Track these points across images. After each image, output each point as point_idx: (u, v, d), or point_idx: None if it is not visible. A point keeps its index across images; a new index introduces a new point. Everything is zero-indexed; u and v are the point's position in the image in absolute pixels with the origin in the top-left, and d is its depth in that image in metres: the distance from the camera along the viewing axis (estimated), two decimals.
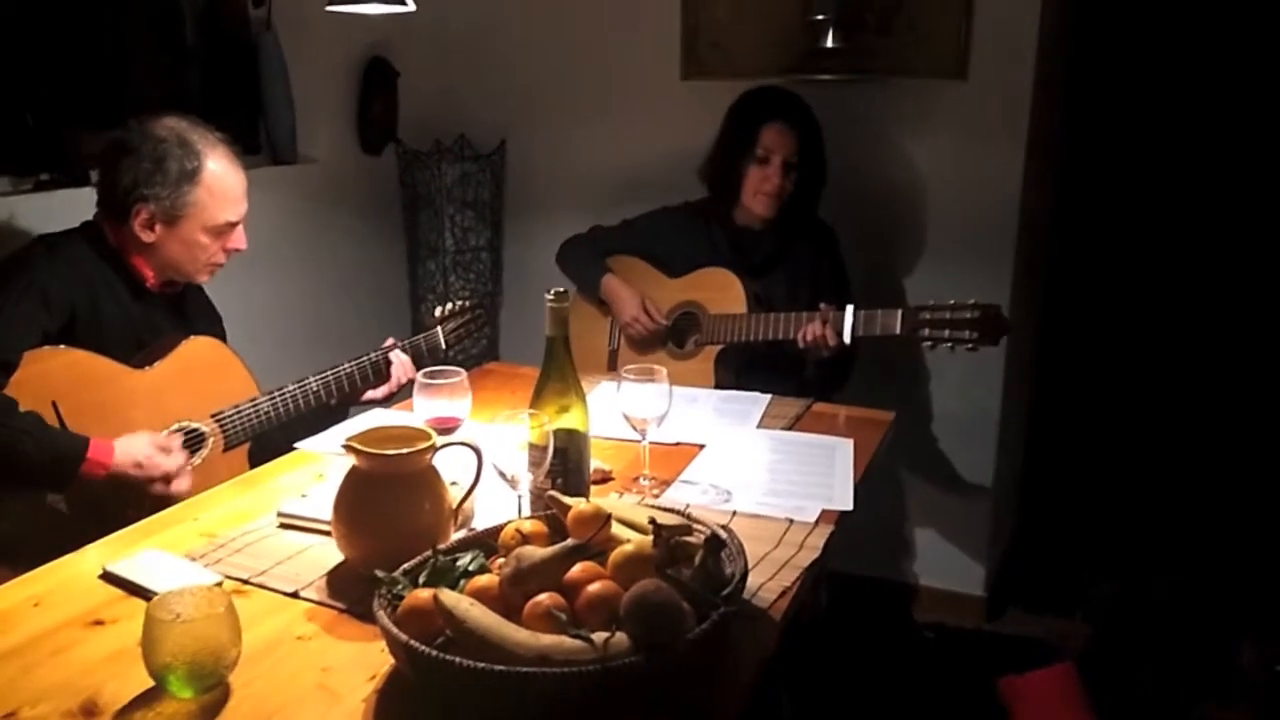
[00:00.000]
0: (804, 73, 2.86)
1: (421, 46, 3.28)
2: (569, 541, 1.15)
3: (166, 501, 1.70)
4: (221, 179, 1.87)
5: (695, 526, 1.26)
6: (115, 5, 2.59)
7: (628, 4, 3.10)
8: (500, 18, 3.27)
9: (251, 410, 1.94)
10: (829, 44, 2.87)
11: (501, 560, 1.23)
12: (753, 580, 1.34)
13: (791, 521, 1.54)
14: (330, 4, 2.16)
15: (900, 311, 2.24)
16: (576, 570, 1.13)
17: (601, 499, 1.59)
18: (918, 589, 3.13)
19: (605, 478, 1.72)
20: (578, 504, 1.27)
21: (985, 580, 3.06)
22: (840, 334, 2.27)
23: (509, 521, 1.32)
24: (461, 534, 1.47)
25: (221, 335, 2.11)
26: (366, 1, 2.14)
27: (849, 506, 1.61)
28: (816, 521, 1.55)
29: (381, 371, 2.10)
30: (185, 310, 2.04)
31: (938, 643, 2.98)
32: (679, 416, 2.01)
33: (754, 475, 1.74)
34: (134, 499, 1.70)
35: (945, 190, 2.85)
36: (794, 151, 2.45)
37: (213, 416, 1.90)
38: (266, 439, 1.98)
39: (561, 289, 1.48)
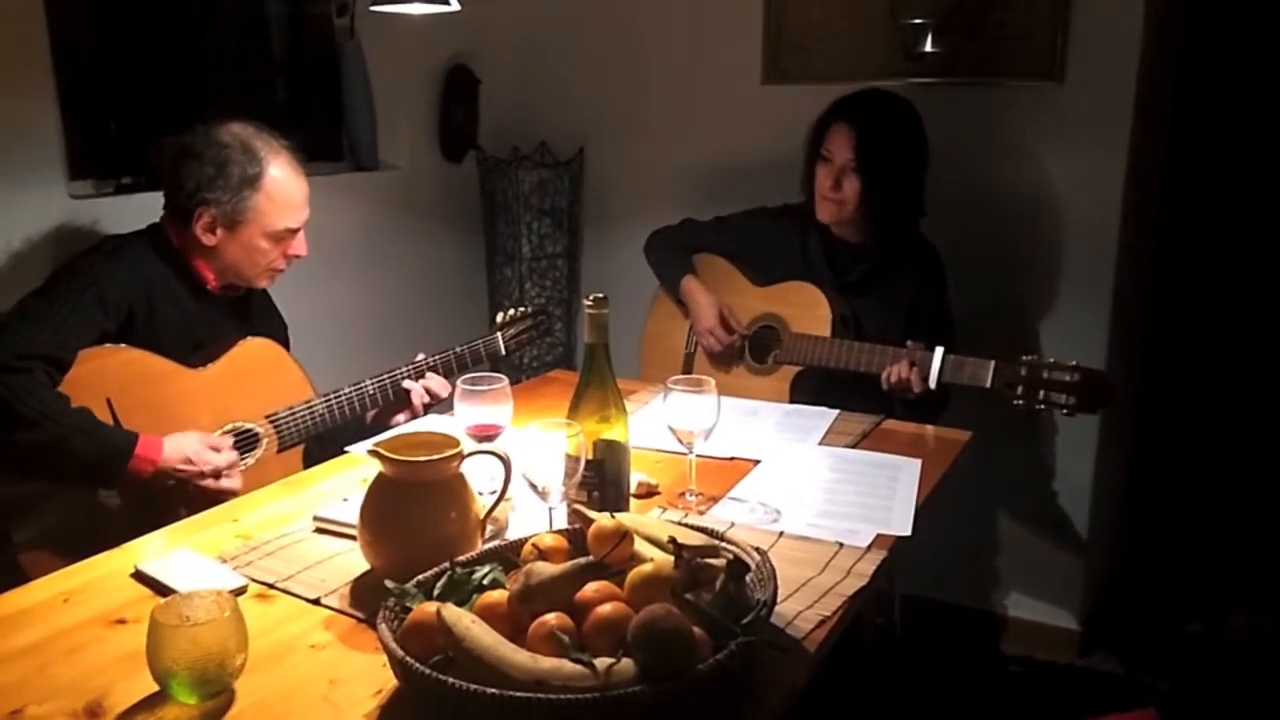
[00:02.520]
0: (890, 77, 2.74)
1: (502, 54, 3.28)
2: (582, 559, 1.09)
3: (218, 500, 1.71)
4: (282, 185, 1.87)
5: (723, 547, 1.19)
6: (201, 14, 2.66)
7: (707, 7, 3.03)
8: (579, 25, 3.24)
9: (306, 412, 1.94)
10: (917, 48, 2.74)
11: None
12: (790, 607, 1.25)
13: (841, 545, 1.45)
14: (374, 4, 2.16)
15: (993, 363, 2.06)
16: (589, 590, 1.07)
17: (640, 515, 1.53)
18: (1006, 619, 2.96)
19: (650, 491, 1.65)
20: (601, 518, 1.21)
21: (1079, 612, 2.87)
22: (926, 379, 2.10)
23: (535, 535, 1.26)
24: (491, 545, 1.43)
25: (284, 340, 2.12)
26: (409, 1, 2.13)
27: (906, 532, 1.50)
28: (869, 547, 1.45)
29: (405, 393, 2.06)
30: (249, 313, 2.05)
31: (1025, 678, 2.81)
32: (736, 429, 1.93)
33: (808, 494, 1.64)
34: (185, 497, 1.71)
35: (1039, 200, 2.69)
36: (852, 153, 2.25)
37: (267, 417, 1.90)
38: (324, 441, 1.98)
39: (601, 295, 1.43)
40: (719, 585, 1.07)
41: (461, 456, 1.31)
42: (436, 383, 2.08)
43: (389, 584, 1.13)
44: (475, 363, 2.20)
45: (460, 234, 3.30)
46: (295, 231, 1.93)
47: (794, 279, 2.40)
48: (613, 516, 1.21)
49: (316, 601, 1.30)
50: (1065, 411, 2.01)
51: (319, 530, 1.50)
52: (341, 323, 2.89)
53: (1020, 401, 2.04)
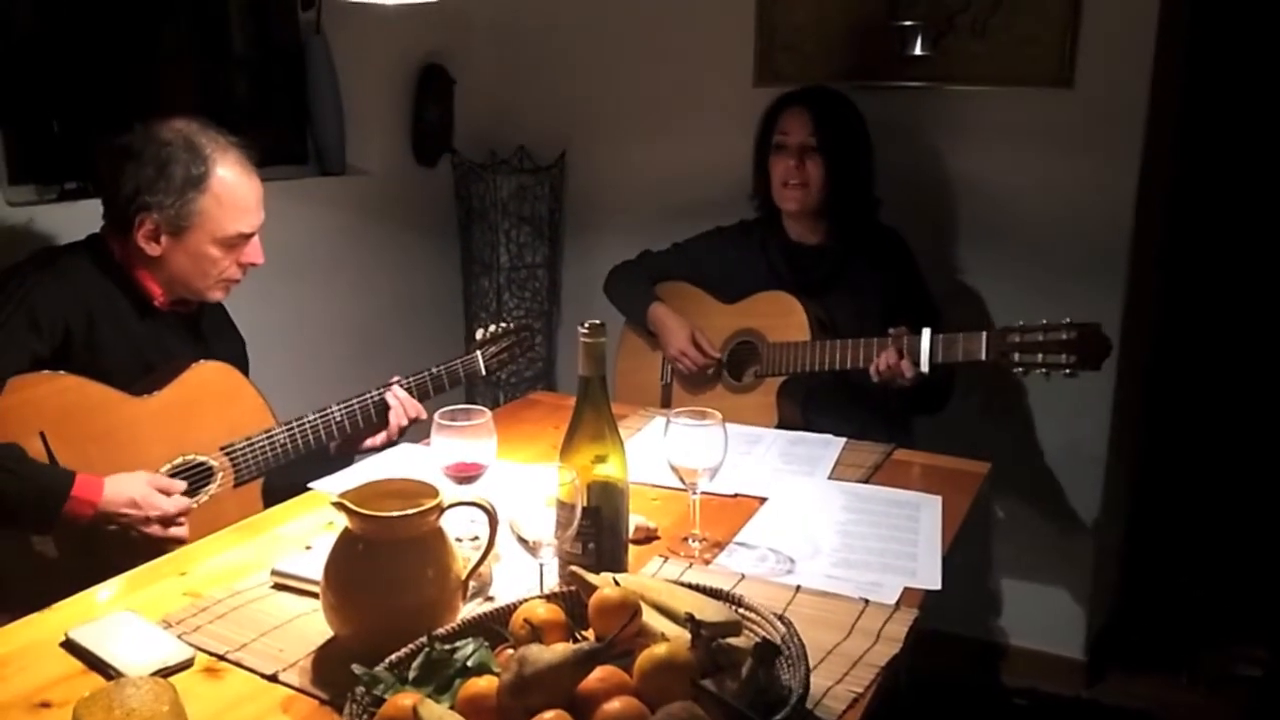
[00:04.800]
0: (887, 79, 2.61)
1: (479, 53, 3.11)
2: (584, 644, 0.93)
3: (163, 547, 1.53)
4: (232, 186, 1.70)
5: (747, 622, 1.03)
6: (154, 6, 2.47)
7: (698, 5, 2.88)
8: (562, 23, 3.08)
9: (266, 442, 1.76)
10: (916, 50, 2.61)
11: (510, 652, 1.01)
12: (817, 683, 1.09)
13: (867, 602, 1.29)
14: None
15: (985, 334, 1.96)
16: (595, 680, 0.91)
17: (644, 577, 1.37)
18: (1008, 649, 2.83)
19: (650, 536, 1.49)
20: (604, 585, 1.05)
21: (1085, 642, 2.75)
22: (917, 363, 1.99)
23: (525, 600, 1.10)
24: (474, 605, 1.27)
25: (242, 358, 1.95)
26: None
27: (936, 585, 1.36)
28: (897, 604, 1.30)
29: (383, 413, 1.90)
30: (201, 331, 1.87)
31: (1030, 711, 2.69)
32: (738, 462, 1.78)
33: (823, 538, 1.49)
34: (126, 543, 1.53)
35: (1049, 210, 2.56)
36: (810, 132, 2.23)
37: (222, 449, 1.72)
38: (285, 474, 1.80)
39: (598, 321, 1.27)
40: (746, 672, 0.92)
41: (441, 509, 1.14)
42: (414, 407, 1.91)
43: (356, 669, 0.97)
44: (453, 384, 2.04)
45: (434, 243, 3.12)
46: (249, 237, 1.75)
47: (761, 290, 2.30)
48: (617, 583, 1.05)
49: (273, 678, 1.13)
50: (1068, 372, 1.92)
51: (278, 586, 1.33)
52: (306, 340, 2.71)
53: (1020, 369, 1.96)
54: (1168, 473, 3.01)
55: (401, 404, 1.89)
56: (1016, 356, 1.94)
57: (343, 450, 1.93)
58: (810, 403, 2.23)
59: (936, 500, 1.63)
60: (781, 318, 2.24)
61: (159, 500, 1.54)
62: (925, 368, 2.00)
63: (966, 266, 2.59)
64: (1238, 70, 2.76)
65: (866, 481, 1.74)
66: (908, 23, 2.60)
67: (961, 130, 2.59)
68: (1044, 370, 1.93)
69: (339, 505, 1.12)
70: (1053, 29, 2.47)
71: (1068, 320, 1.92)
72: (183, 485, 1.60)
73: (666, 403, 2.41)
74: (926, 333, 2.00)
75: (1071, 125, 2.49)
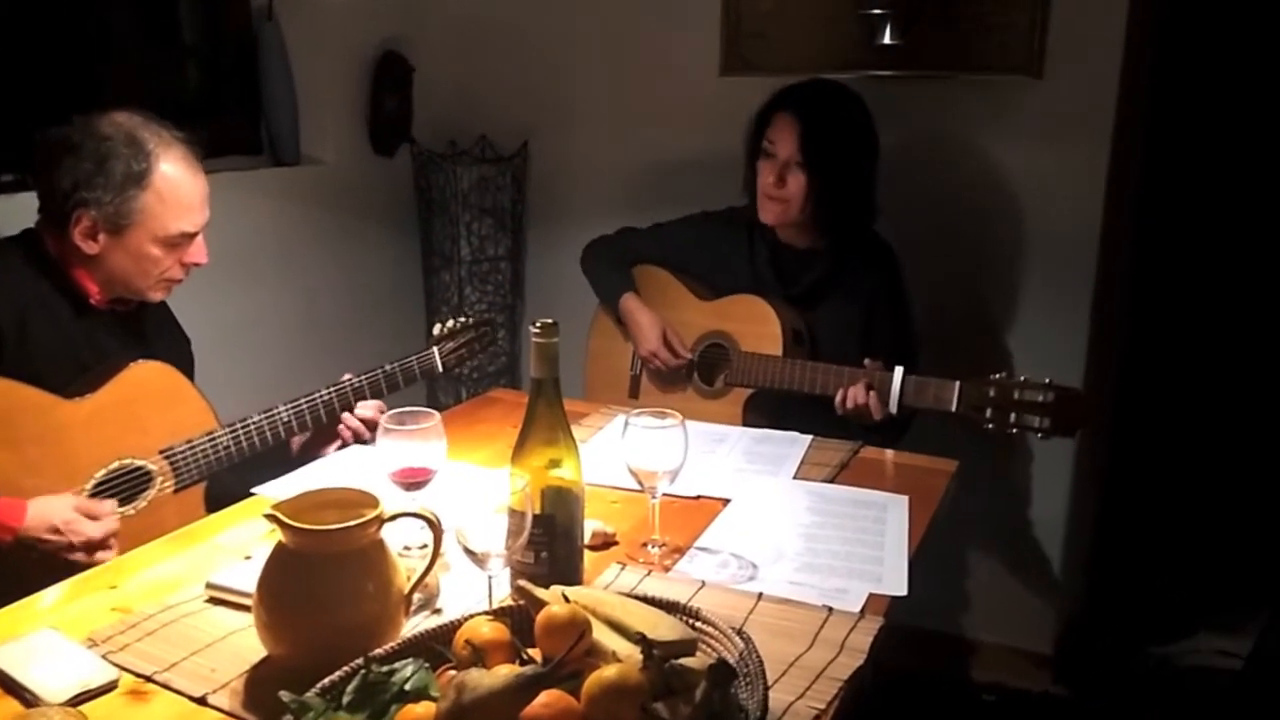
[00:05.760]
0: (857, 69, 2.56)
1: (438, 40, 3.03)
2: (528, 669, 0.87)
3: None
4: (175, 183, 1.62)
5: (704, 638, 0.98)
6: None
7: None
8: (524, 9, 3.00)
9: (208, 445, 1.68)
10: (885, 38, 2.56)
11: (453, 673, 0.96)
12: (779, 698, 1.05)
13: (831, 610, 1.25)
14: None
15: (958, 385, 1.88)
16: (539, 705, 0.85)
17: (598, 577, 1.32)
18: (976, 644, 2.81)
19: (607, 542, 1.44)
20: (553, 601, 0.99)
21: (1054, 636, 2.72)
22: (885, 403, 1.92)
23: (469, 616, 1.04)
24: (420, 619, 1.21)
25: (186, 358, 1.87)
26: None
27: (902, 591, 1.32)
28: (862, 611, 1.25)
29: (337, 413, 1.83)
30: (143, 330, 1.79)
31: (998, 707, 2.66)
32: (702, 461, 1.73)
33: (787, 542, 1.44)
34: (49, 568, 1.44)
35: (1017, 200, 2.53)
36: (797, 146, 2.06)
37: (161, 453, 1.64)
38: (237, 478, 1.73)
39: (550, 320, 1.21)
40: (700, 696, 0.86)
41: (381, 521, 1.08)
42: (368, 410, 1.84)
43: (285, 696, 0.90)
44: (409, 382, 1.97)
45: (393, 235, 3.05)
46: (192, 236, 1.67)
47: (741, 290, 2.22)
48: (566, 599, 1.00)
49: (202, 700, 1.06)
50: (1040, 435, 1.85)
51: (212, 600, 1.26)
52: (259, 338, 2.63)
53: (991, 425, 1.87)
54: (1135, 467, 3.00)
55: (356, 419, 1.82)
56: (988, 413, 1.86)
57: (306, 450, 1.85)
58: (778, 418, 2.13)
59: (903, 500, 1.59)
60: (756, 325, 2.17)
61: (84, 526, 1.45)
62: (893, 409, 1.92)
63: (930, 257, 2.54)
64: (1208, 60, 2.74)
65: (832, 481, 1.69)
66: (876, 11, 2.55)
67: (930, 119, 2.55)
68: (1014, 430, 1.85)
69: (271, 517, 1.06)
70: (1022, 18, 2.43)
71: (1047, 380, 1.84)
72: (111, 509, 1.52)
73: (635, 393, 2.35)
74: (899, 372, 1.92)
75: (1041, 115, 2.46)
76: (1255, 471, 2.86)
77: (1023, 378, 1.86)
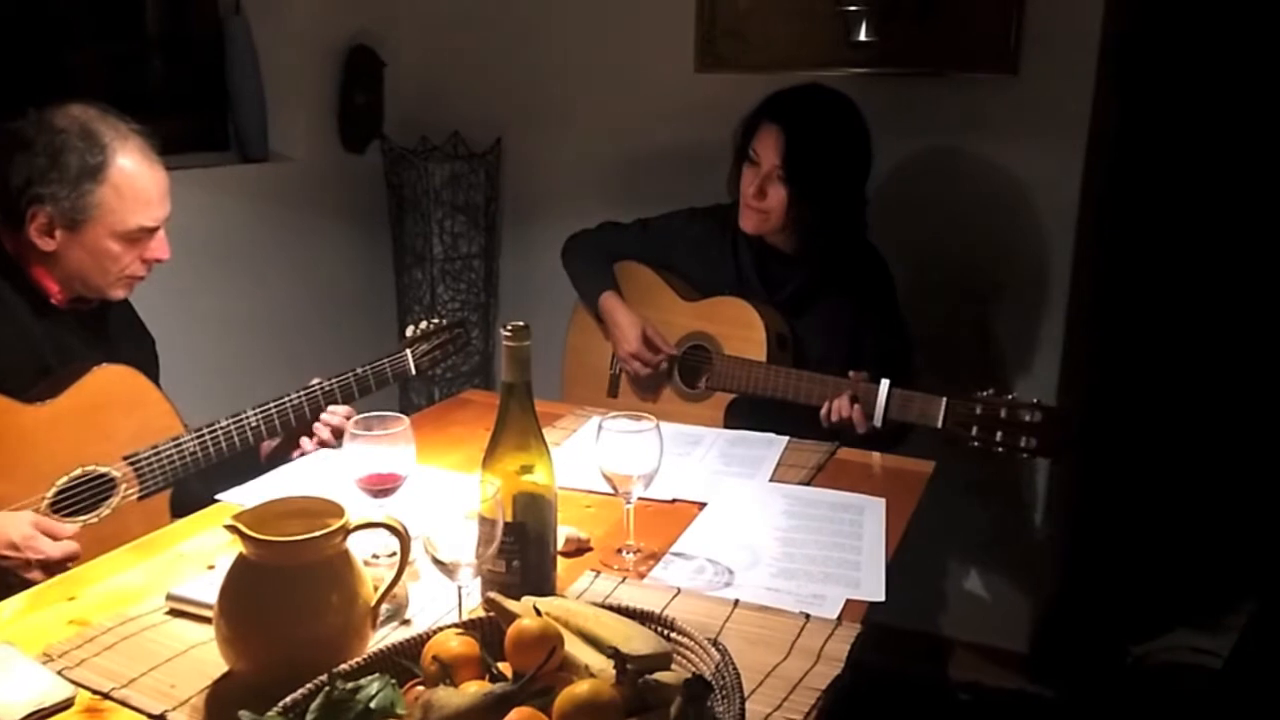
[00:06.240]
0: (832, 66, 2.54)
1: (410, 34, 3.00)
2: (497, 686, 0.84)
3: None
4: (133, 177, 1.58)
5: (679, 650, 0.95)
6: None
7: None
8: (497, 4, 2.97)
9: (173, 451, 1.64)
10: (861, 36, 2.54)
11: (421, 689, 0.93)
12: (755, 709, 1.03)
13: (808, 617, 1.23)
14: None
15: (945, 401, 1.84)
16: None
17: (572, 584, 1.29)
18: (952, 643, 2.80)
19: (581, 548, 1.41)
20: (524, 614, 0.97)
21: (1030, 634, 2.73)
22: (870, 416, 1.88)
23: (438, 629, 1.01)
24: (389, 630, 1.18)
25: (151, 360, 1.83)
26: None
27: (880, 596, 1.30)
28: (840, 618, 1.23)
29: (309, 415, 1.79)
30: (106, 330, 1.75)
31: (975, 706, 2.66)
32: (677, 463, 1.71)
33: (763, 547, 1.42)
34: (3, 580, 1.41)
35: (993, 197, 2.53)
36: (779, 160, 2.01)
37: (125, 459, 1.60)
38: (205, 484, 1.69)
39: (521, 323, 1.18)
40: (675, 712, 0.84)
41: (346, 531, 1.05)
42: (334, 418, 1.80)
43: (244, 715, 0.87)
44: (380, 385, 1.93)
45: (364, 233, 3.01)
46: (152, 231, 1.63)
47: (725, 291, 2.18)
48: (538, 611, 0.97)
49: (161, 718, 1.03)
50: (1025, 455, 1.80)
51: (173, 612, 1.23)
52: (226, 339, 2.59)
53: (977, 444, 1.83)
54: (1110, 466, 3.00)
55: (330, 427, 1.78)
56: (974, 430, 1.82)
57: (276, 454, 1.82)
58: (760, 424, 2.06)
59: (880, 503, 1.57)
60: (740, 329, 2.13)
61: (42, 544, 1.41)
62: (878, 423, 1.89)
63: (904, 255, 2.53)
64: (1183, 55, 2.74)
65: (809, 483, 1.67)
66: (852, 8, 2.54)
67: (905, 116, 2.54)
68: (1000, 449, 1.81)
69: (232, 528, 1.03)
70: (997, 14, 2.42)
71: (1035, 400, 1.80)
72: (72, 529, 1.48)
73: (614, 391, 2.31)
74: (884, 385, 1.88)
75: (1016, 111, 2.45)
76: (1229, 470, 2.87)
77: (1010, 396, 1.82)
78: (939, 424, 1.85)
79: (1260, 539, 2.77)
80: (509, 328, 1.18)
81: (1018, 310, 2.55)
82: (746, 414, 2.10)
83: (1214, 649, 2.72)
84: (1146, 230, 2.88)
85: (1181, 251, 2.87)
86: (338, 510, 1.07)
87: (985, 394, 1.83)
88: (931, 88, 2.52)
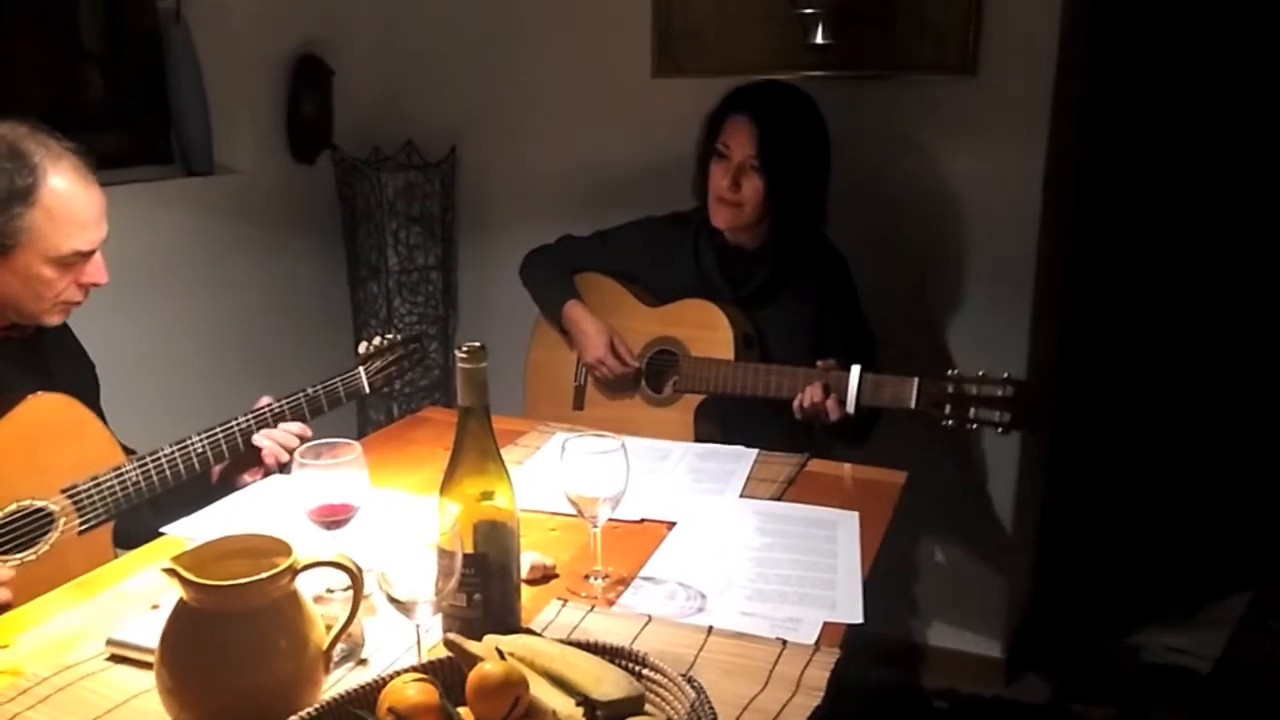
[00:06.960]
0: (791, 69, 2.51)
1: (360, 41, 2.92)
2: None
3: None
4: (66, 199, 1.49)
5: (652, 689, 0.90)
6: None
7: None
8: (449, 9, 2.90)
9: (115, 482, 1.56)
10: (818, 39, 2.52)
11: None
12: None
13: (785, 644, 1.18)
14: None
15: (916, 381, 1.85)
16: None
17: (538, 615, 1.23)
18: (926, 650, 2.78)
19: (547, 575, 1.36)
20: (487, 656, 0.91)
21: (1004, 640, 2.71)
22: (843, 403, 1.87)
23: (395, 673, 0.95)
24: (344, 672, 1.12)
25: (91, 384, 1.74)
26: None
27: (857, 618, 1.25)
28: (817, 643, 1.19)
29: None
30: (42, 356, 1.66)
31: (951, 711, 2.64)
32: (645, 481, 1.66)
33: (736, 568, 1.37)
34: None
35: (954, 199, 2.50)
36: (753, 150, 2.01)
37: (63, 492, 1.52)
38: (154, 514, 1.61)
39: (477, 344, 1.12)
40: None
41: (294, 572, 0.99)
42: (287, 434, 1.73)
43: None
44: (334, 405, 1.86)
45: (316, 246, 2.92)
46: (88, 255, 1.55)
47: (688, 295, 2.16)
48: (501, 654, 0.91)
49: None
50: (1000, 430, 1.82)
51: (115, 658, 1.15)
52: (171, 359, 2.50)
53: (950, 421, 1.84)
54: (1080, 470, 3.00)
55: (276, 441, 1.71)
56: (947, 409, 1.82)
57: (224, 479, 1.74)
58: (731, 424, 2.09)
59: (853, 517, 1.53)
60: (705, 330, 2.10)
61: None
62: (851, 408, 1.87)
63: (868, 255, 2.50)
64: (1142, 54, 2.74)
65: (780, 498, 1.63)
66: (809, 10, 2.51)
67: (865, 119, 2.51)
68: (973, 425, 1.82)
69: (171, 572, 0.96)
70: (956, 16, 2.40)
71: (1006, 375, 1.81)
72: (6, 571, 1.39)
73: (580, 404, 2.27)
74: (855, 370, 1.87)
75: (976, 113, 2.43)
76: (1199, 467, 2.87)
77: (980, 373, 1.83)
78: (912, 404, 1.85)
79: (1228, 535, 2.78)
80: (464, 349, 1.12)
81: (981, 308, 2.53)
82: (717, 415, 2.08)
83: (1187, 647, 2.72)
84: (1106, 224, 2.88)
85: (1141, 243, 2.88)
86: (284, 549, 1.01)
87: (955, 372, 1.84)
88: (890, 89, 2.50)
